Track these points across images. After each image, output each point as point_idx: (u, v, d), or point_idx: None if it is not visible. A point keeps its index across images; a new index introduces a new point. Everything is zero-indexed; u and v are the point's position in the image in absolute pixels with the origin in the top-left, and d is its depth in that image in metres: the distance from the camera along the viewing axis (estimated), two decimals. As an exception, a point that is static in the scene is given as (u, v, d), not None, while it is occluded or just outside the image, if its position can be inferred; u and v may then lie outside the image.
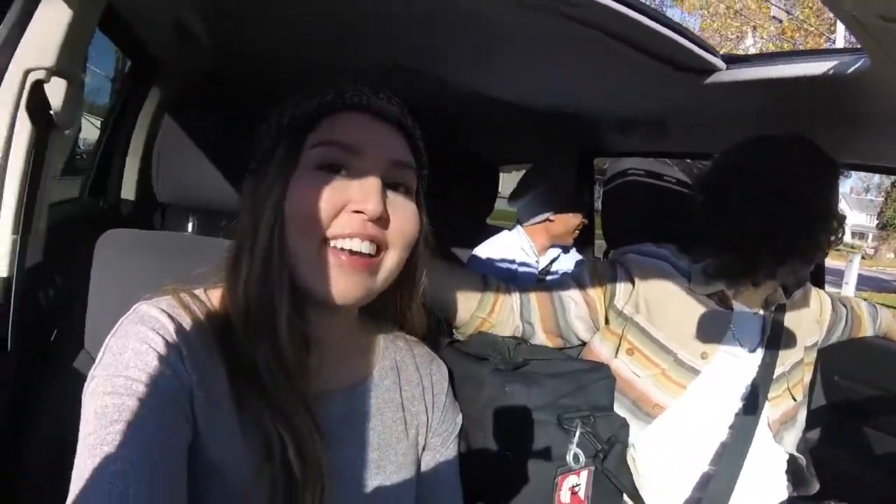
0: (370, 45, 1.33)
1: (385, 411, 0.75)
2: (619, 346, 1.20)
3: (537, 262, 1.99)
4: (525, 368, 0.99)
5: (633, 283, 1.21)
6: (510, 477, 0.88)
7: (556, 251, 2.02)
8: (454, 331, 1.20)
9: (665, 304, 1.19)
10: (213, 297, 0.69)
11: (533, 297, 1.22)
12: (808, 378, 1.29)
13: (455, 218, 2.12)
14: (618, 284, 1.22)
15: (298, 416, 0.62)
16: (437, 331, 1.07)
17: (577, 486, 0.89)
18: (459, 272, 1.20)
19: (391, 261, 0.68)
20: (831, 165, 1.15)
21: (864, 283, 10.82)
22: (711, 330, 1.17)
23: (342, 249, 0.63)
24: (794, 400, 1.23)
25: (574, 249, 2.06)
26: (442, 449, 0.81)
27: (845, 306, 1.42)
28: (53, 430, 0.80)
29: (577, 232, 1.95)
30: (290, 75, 1.53)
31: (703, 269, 1.21)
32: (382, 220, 0.65)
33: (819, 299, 1.35)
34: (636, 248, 1.28)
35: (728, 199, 1.17)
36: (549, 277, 1.94)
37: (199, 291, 0.70)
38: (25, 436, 0.80)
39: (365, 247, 0.64)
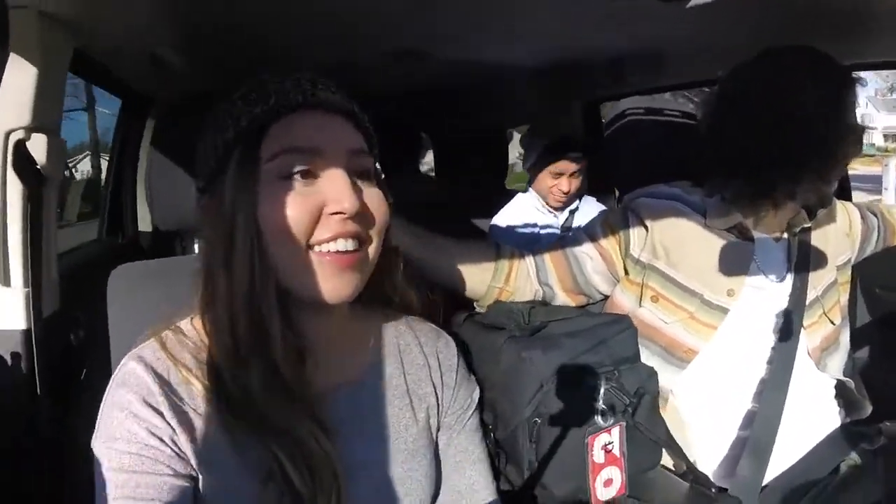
0: (367, 45, 1.32)
1: (391, 400, 0.75)
2: (642, 294, 1.18)
3: (556, 217, 1.96)
4: (542, 332, 0.98)
5: (646, 228, 1.18)
6: (539, 442, 0.88)
7: (573, 203, 1.98)
8: (474, 304, 1.20)
9: (683, 244, 1.16)
10: (199, 325, 0.70)
11: (548, 258, 1.21)
12: (845, 298, 1.24)
13: (472, 189, 2.11)
14: (631, 232, 1.20)
15: (299, 426, 0.62)
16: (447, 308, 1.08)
17: (609, 443, 0.88)
18: (470, 245, 1.19)
19: (373, 249, 0.69)
20: (839, 73, 1.07)
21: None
22: (734, 265, 1.14)
23: (327, 252, 0.64)
24: (833, 324, 1.19)
25: (594, 199, 2.01)
26: (458, 426, 0.81)
27: (875, 215, 1.34)
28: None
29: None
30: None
31: (718, 202, 1.17)
32: (359, 214, 0.65)
33: (846, 212, 1.29)
34: (646, 190, 1.24)
35: (727, 126, 1.12)
36: (572, 231, 1.90)
37: (184, 323, 0.70)
38: (70, 482, 0.84)
39: (349, 244, 0.65)
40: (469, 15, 1.15)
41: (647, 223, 1.18)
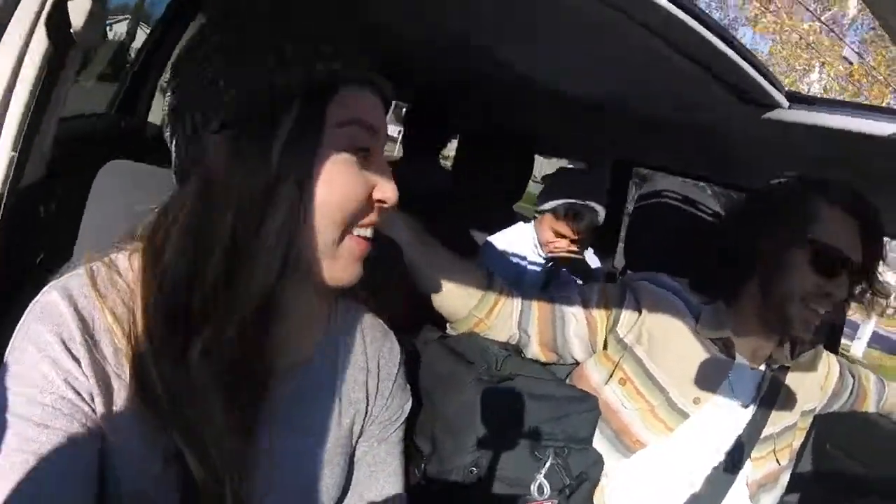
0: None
1: (322, 398, 0.71)
2: (613, 373, 1.16)
3: (540, 256, 1.90)
4: (509, 384, 0.95)
5: (639, 312, 1.17)
6: (469, 493, 0.85)
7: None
8: (448, 325, 1.16)
9: (668, 340, 1.15)
10: (138, 265, 0.60)
11: (535, 306, 1.18)
12: (798, 443, 1.24)
13: (482, 200, 2.07)
14: (624, 311, 1.18)
15: (213, 422, 0.56)
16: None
17: (539, 517, 0.86)
18: (464, 265, 1.15)
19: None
20: (874, 220, 1.07)
21: (878, 341, 10.55)
22: (709, 376, 1.13)
23: (359, 237, 0.62)
24: (779, 464, 1.19)
25: (592, 253, 1.97)
26: (380, 437, 0.77)
27: (853, 376, 1.35)
28: None
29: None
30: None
31: (713, 312, 1.16)
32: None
33: (828, 364, 1.29)
34: (651, 275, 1.23)
35: (734, 247, 1.13)
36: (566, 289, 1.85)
37: (121, 258, 0.61)
38: None
39: (370, 232, 0.64)
40: (531, 28, 1.08)
41: (643, 308, 1.16)
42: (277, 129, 0.56)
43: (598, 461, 0.97)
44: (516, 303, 1.16)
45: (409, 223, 1.04)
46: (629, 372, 1.15)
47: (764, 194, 1.18)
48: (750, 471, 1.14)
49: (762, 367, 1.17)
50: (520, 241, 1.88)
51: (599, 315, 1.19)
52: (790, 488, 1.26)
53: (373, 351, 0.77)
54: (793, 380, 1.18)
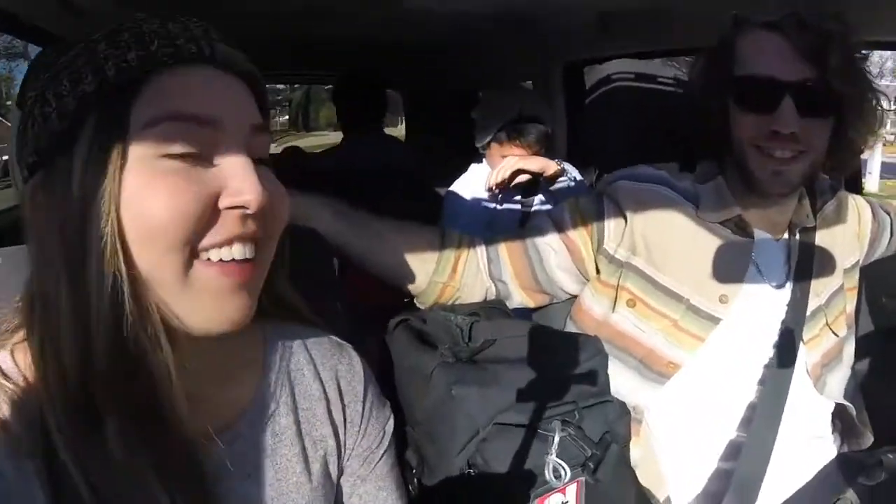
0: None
1: (277, 449, 0.57)
2: (617, 297, 1.01)
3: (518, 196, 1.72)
4: (486, 354, 0.77)
5: (625, 218, 1.00)
6: (472, 499, 0.69)
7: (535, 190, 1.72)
8: (415, 300, 1.02)
9: (669, 239, 0.98)
10: (23, 360, 0.49)
11: (503, 249, 1.03)
12: (851, 306, 1.09)
13: (440, 155, 1.90)
14: (606, 223, 1.02)
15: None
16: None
17: (564, 503, 0.69)
18: (409, 231, 1.01)
19: (269, 254, 0.53)
20: (853, 45, 0.91)
21: (889, 170, 10.31)
22: (730, 266, 0.97)
23: (219, 262, 0.48)
24: (837, 336, 1.04)
25: (575, 172, 1.76)
26: (364, 471, 0.64)
27: (889, 213, 1.19)
28: None
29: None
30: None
31: (714, 192, 1.00)
32: (261, 211, 0.48)
33: (857, 209, 1.13)
34: (627, 172, 1.06)
35: (700, 111, 0.98)
36: (539, 204, 1.68)
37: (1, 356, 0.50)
38: None
39: (247, 251, 0.49)
40: None
41: (627, 212, 1.00)
42: (75, 150, 0.46)
43: (623, 413, 0.80)
44: (481, 252, 1.02)
45: (330, 207, 0.93)
46: (635, 290, 0.99)
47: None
48: (807, 355, 1.00)
49: (786, 236, 1.02)
50: (481, 182, 1.70)
51: (580, 236, 1.03)
52: (857, 358, 1.12)
53: (328, 374, 0.63)
54: (824, 238, 1.04)
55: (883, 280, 1.21)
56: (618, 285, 1.01)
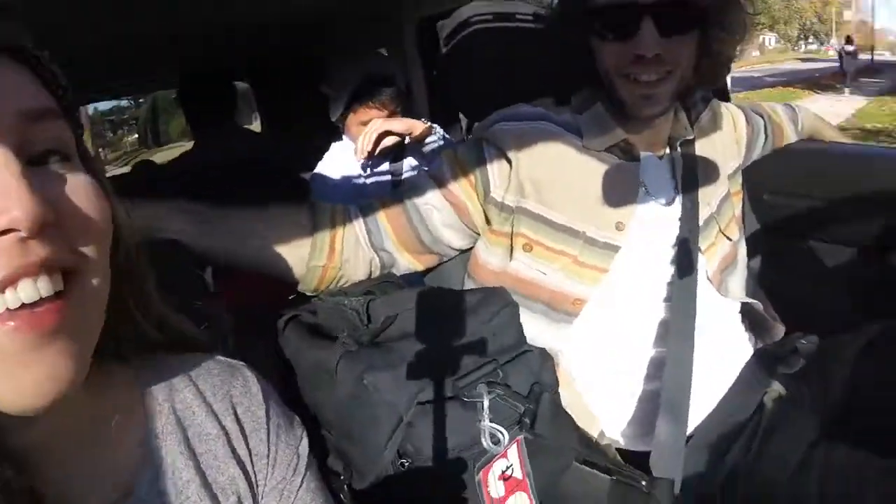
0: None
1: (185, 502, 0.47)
2: (513, 244, 0.97)
3: (386, 164, 1.65)
4: (389, 333, 0.71)
5: (509, 161, 0.96)
6: (413, 489, 0.64)
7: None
8: (300, 289, 0.93)
9: (558, 175, 0.95)
10: None
11: (382, 216, 0.96)
12: (738, 209, 1.11)
13: (300, 139, 1.77)
14: (489, 169, 0.97)
15: None
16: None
17: (508, 467, 0.65)
18: (276, 216, 0.92)
19: (92, 282, 0.39)
20: None
21: (736, 83, 11.33)
22: (621, 192, 0.96)
23: (7, 311, 0.34)
24: (730, 240, 1.06)
25: (441, 132, 1.72)
26: (286, 501, 0.54)
27: (761, 116, 1.23)
28: None
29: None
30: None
31: (594, 118, 0.97)
32: (52, 228, 0.35)
33: (731, 116, 1.15)
34: (504, 113, 1.01)
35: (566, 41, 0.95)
36: (409, 170, 1.62)
37: None
38: None
39: (46, 286, 0.35)
40: None
41: (510, 155, 0.95)
42: None
43: (546, 359, 0.76)
44: (358, 224, 0.95)
45: (182, 210, 0.84)
46: (529, 233, 0.96)
47: None
48: (706, 264, 1.01)
49: (667, 152, 1.02)
50: (343, 159, 1.63)
51: (463, 189, 0.98)
52: (750, 256, 1.15)
53: (222, 405, 0.52)
54: (704, 148, 1.05)
55: (762, 179, 1.25)
56: (512, 232, 0.97)
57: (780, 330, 1.10)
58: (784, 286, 1.16)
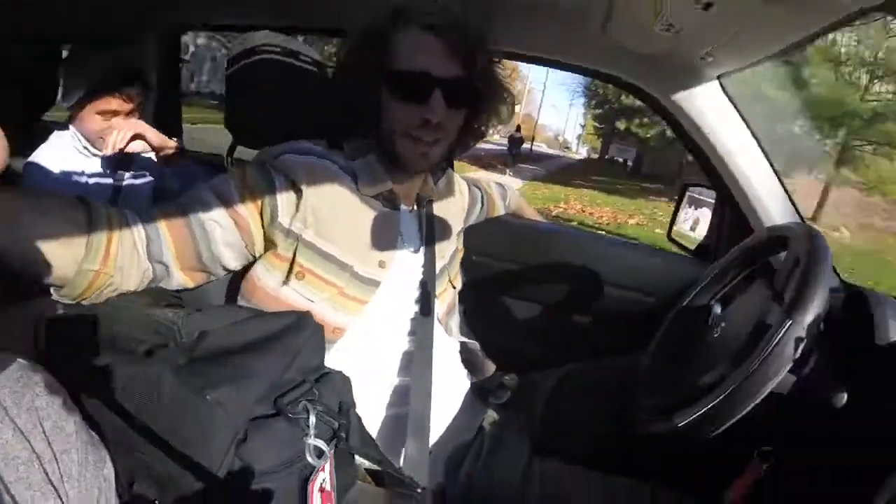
0: None
1: None
2: (291, 271, 1.00)
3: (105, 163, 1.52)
4: (210, 349, 0.67)
5: (298, 191, 0.99)
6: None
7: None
8: (57, 294, 0.78)
9: (336, 211, 1.01)
10: None
11: (164, 226, 0.90)
12: (458, 264, 1.31)
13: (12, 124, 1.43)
14: (279, 196, 0.98)
15: None
16: None
17: (324, 480, 0.68)
18: (52, 206, 0.78)
19: None
20: (461, 31, 1.03)
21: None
22: (386, 234, 1.06)
23: None
24: (455, 288, 1.25)
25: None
26: None
27: (479, 188, 1.47)
28: None
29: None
30: None
31: (367, 168, 1.06)
32: None
33: (459, 184, 1.36)
34: (292, 146, 1.04)
35: (348, 94, 1.03)
36: (130, 178, 1.53)
37: None
38: None
39: None
40: None
41: (300, 185, 0.99)
42: None
43: (346, 380, 0.81)
44: (137, 231, 0.87)
45: None
46: (305, 262, 1.00)
47: (362, 33, 1.06)
48: (438, 307, 1.16)
49: (415, 208, 1.16)
50: (63, 151, 1.45)
51: (249, 212, 0.98)
52: (463, 304, 1.35)
53: (27, 418, 0.46)
54: (441, 208, 1.21)
55: (473, 242, 1.47)
56: (292, 258, 1.00)
57: (491, 367, 1.33)
58: (489, 333, 1.38)
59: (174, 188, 1.52)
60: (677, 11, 1.00)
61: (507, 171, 19.64)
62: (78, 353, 0.62)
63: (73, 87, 1.44)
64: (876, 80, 12.67)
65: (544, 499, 1.03)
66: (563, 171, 20.84)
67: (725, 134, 1.35)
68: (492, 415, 1.22)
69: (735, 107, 1.33)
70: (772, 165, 1.35)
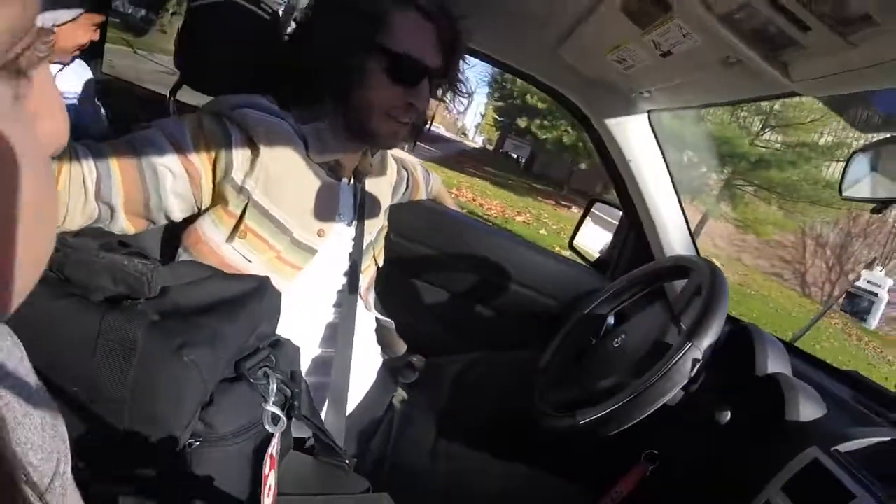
0: None
1: None
2: (236, 228, 0.98)
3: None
4: (178, 307, 0.64)
5: (254, 149, 0.96)
6: (205, 470, 0.61)
7: (54, 67, 1.48)
8: None
9: (285, 174, 1.00)
10: None
11: (115, 165, 0.86)
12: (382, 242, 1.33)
13: None
14: (235, 151, 0.95)
15: None
16: None
17: (273, 446, 0.69)
18: None
19: None
20: (452, 23, 1.04)
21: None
22: (327, 204, 1.07)
23: None
24: (378, 265, 1.28)
25: (78, 62, 1.61)
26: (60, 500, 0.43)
27: (406, 170, 1.49)
28: None
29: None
30: None
31: (317, 134, 1.05)
32: None
33: (391, 163, 1.37)
34: (248, 100, 1.00)
35: (311, 59, 1.01)
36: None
37: None
38: None
39: None
40: None
41: (258, 143, 0.96)
42: None
43: (297, 350, 0.82)
44: (87, 168, 0.82)
45: None
46: (250, 221, 0.98)
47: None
48: (362, 281, 1.18)
49: (352, 182, 1.17)
50: None
51: (202, 163, 0.94)
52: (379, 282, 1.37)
53: None
54: (372, 185, 1.22)
55: (394, 221, 1.48)
56: (240, 216, 0.98)
57: (403, 347, 1.37)
58: (401, 313, 1.40)
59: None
60: (633, 51, 1.10)
61: (405, 146, 19.49)
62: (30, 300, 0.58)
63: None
64: (767, 129, 14.02)
65: (450, 476, 1.10)
66: (457, 158, 20.96)
67: (645, 164, 1.47)
68: (401, 393, 1.27)
69: (657, 141, 1.47)
70: (680, 202, 1.51)
